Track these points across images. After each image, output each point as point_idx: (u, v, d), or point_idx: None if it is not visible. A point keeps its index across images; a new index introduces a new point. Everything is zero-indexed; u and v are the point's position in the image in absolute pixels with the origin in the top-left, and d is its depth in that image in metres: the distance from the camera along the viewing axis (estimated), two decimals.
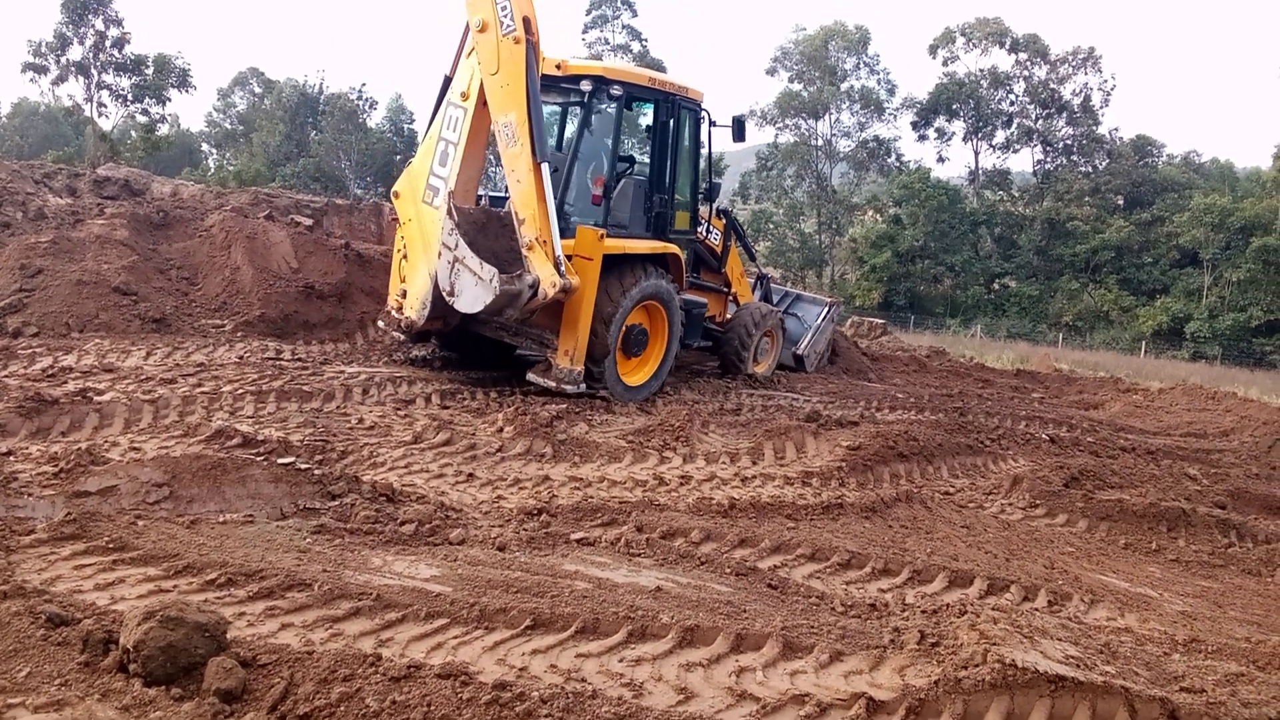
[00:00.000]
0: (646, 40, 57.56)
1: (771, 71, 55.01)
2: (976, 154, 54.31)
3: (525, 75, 8.33)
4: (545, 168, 8.42)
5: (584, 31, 57.08)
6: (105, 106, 50.21)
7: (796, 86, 54.03)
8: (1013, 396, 13.82)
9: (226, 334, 9.98)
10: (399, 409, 7.81)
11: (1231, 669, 3.95)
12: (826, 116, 54.22)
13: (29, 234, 10.94)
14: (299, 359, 9.30)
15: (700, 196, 11.03)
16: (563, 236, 8.54)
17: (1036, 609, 4.79)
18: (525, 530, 5.01)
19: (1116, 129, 52.01)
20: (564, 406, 8.33)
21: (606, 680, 3.36)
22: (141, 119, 51.49)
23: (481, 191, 9.84)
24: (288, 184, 44.79)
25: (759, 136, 54.57)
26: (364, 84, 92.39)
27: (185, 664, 2.96)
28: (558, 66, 9.39)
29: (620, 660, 3.52)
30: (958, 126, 53.67)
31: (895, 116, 54.91)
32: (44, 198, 13.12)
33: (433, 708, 2.92)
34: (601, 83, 9.42)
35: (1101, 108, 51.11)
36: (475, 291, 8.09)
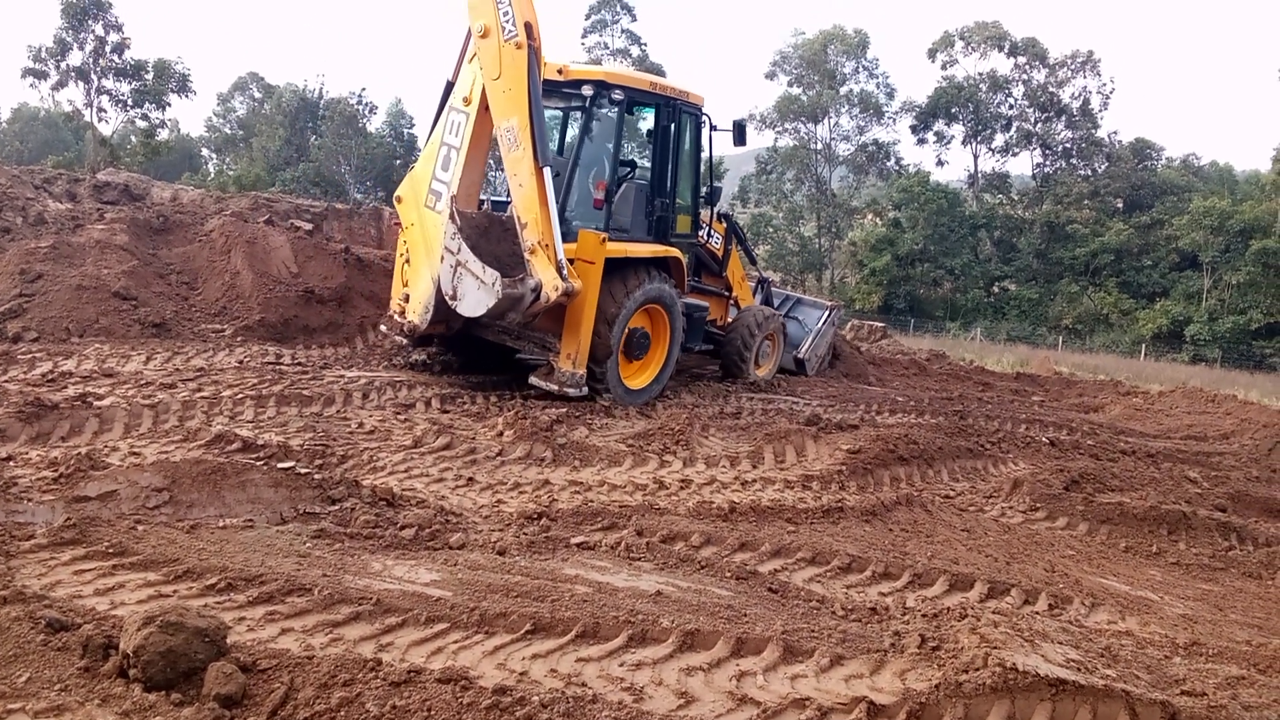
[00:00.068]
0: (646, 45, 57.67)
1: (770, 75, 55.07)
2: (976, 157, 54.38)
3: (527, 80, 8.36)
4: (547, 172, 8.44)
5: (583, 36, 57.24)
6: (105, 111, 50.33)
7: (796, 90, 54.07)
8: (1013, 400, 13.81)
9: (226, 339, 9.99)
10: (399, 413, 7.81)
11: (1232, 672, 3.94)
12: (826, 120, 54.25)
13: (29, 239, 10.96)
14: (299, 363, 9.31)
15: (701, 200, 11.05)
16: (564, 240, 8.56)
17: (1037, 612, 4.79)
18: (525, 534, 5.01)
19: (1115, 132, 52.06)
20: (564, 410, 8.33)
21: (607, 685, 3.36)
22: (141, 124, 51.55)
23: (483, 196, 9.86)
24: (287, 189, 44.76)
25: (758, 140, 54.68)
26: (364, 89, 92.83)
27: (185, 669, 2.96)
28: (559, 71, 9.41)
29: (620, 664, 3.52)
30: (957, 130, 53.72)
31: (894, 120, 54.99)
32: (44, 203, 13.12)
33: (433, 713, 2.92)
34: (603, 88, 9.44)
35: (1100, 111, 51.18)
36: (478, 295, 8.11)
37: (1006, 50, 51.57)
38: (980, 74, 52.53)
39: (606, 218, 9.40)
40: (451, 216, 8.32)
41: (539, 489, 6.13)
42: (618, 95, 9.42)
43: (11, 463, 5.40)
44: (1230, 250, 42.39)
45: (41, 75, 48.58)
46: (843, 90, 53.70)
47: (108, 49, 48.32)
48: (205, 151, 72.62)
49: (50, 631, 3.08)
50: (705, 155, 10.90)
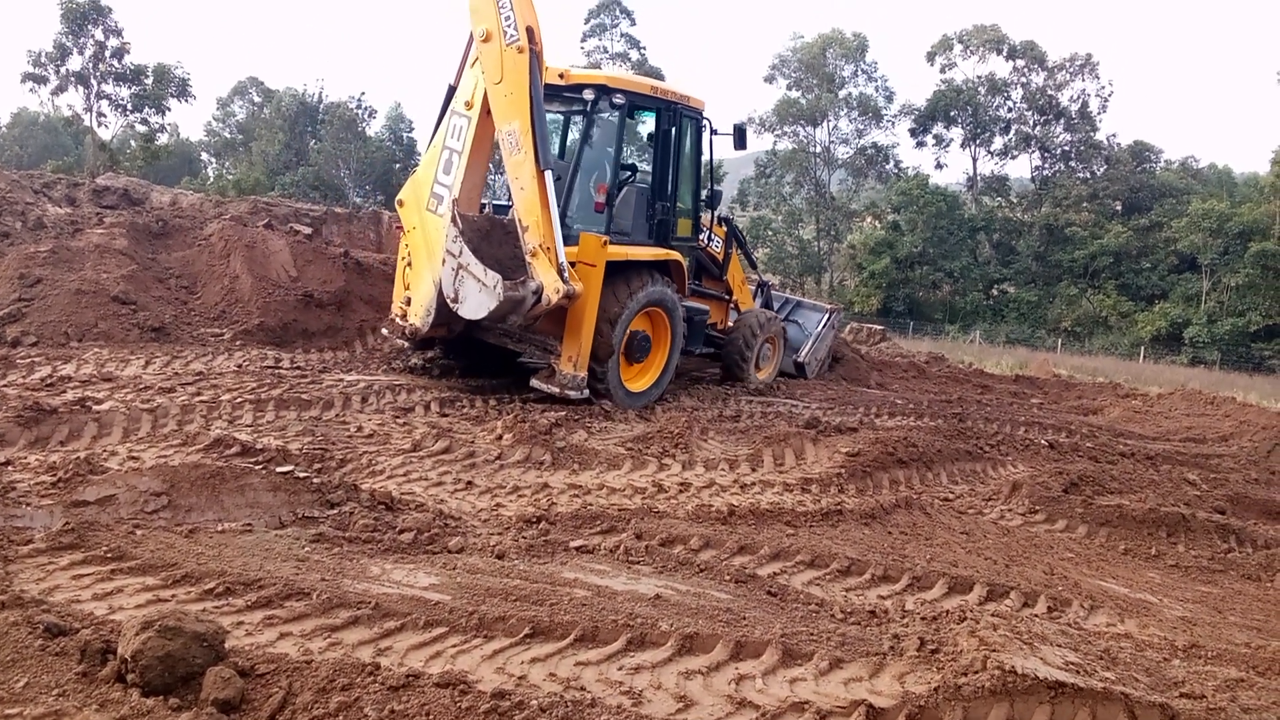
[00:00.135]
0: (645, 48, 57.76)
1: (769, 79, 55.12)
2: (974, 160, 54.47)
3: (529, 84, 8.38)
4: (548, 175, 8.46)
5: (583, 40, 57.33)
6: (105, 116, 50.32)
7: (795, 94, 54.14)
8: (1012, 402, 13.81)
9: (225, 343, 9.99)
10: (398, 417, 7.81)
11: (1231, 674, 3.94)
12: (825, 123, 54.31)
13: (28, 243, 10.97)
14: (298, 367, 9.31)
15: (702, 204, 11.06)
16: (566, 244, 8.57)
17: (1036, 615, 4.79)
18: (524, 538, 5.01)
19: (1114, 135, 52.32)
20: (563, 414, 8.34)
21: (606, 688, 3.35)
22: (141, 128, 51.55)
23: (485, 200, 9.88)
24: (287, 193, 44.79)
25: (757, 144, 54.75)
26: (363, 93, 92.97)
27: (183, 674, 2.95)
28: (561, 75, 9.44)
29: (619, 668, 3.51)
30: (956, 133, 53.79)
31: (893, 123, 55.07)
32: (43, 207, 13.14)
33: (431, 717, 2.92)
34: (604, 91, 9.47)
35: (1099, 114, 51.31)
36: (479, 298, 8.12)
37: (1005, 53, 51.67)
38: (979, 77, 52.67)
39: (607, 221, 9.42)
40: (453, 220, 8.34)
41: (538, 492, 6.13)
42: (619, 99, 9.44)
43: (10, 467, 5.39)
44: (1229, 252, 42.42)
45: (41, 80, 48.62)
46: (841, 93, 53.77)
47: (107, 54, 48.36)
48: (205, 156, 72.74)
49: (48, 636, 3.07)
50: (706, 159, 10.92)
